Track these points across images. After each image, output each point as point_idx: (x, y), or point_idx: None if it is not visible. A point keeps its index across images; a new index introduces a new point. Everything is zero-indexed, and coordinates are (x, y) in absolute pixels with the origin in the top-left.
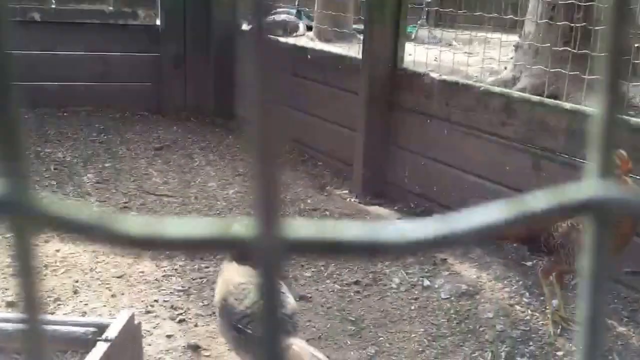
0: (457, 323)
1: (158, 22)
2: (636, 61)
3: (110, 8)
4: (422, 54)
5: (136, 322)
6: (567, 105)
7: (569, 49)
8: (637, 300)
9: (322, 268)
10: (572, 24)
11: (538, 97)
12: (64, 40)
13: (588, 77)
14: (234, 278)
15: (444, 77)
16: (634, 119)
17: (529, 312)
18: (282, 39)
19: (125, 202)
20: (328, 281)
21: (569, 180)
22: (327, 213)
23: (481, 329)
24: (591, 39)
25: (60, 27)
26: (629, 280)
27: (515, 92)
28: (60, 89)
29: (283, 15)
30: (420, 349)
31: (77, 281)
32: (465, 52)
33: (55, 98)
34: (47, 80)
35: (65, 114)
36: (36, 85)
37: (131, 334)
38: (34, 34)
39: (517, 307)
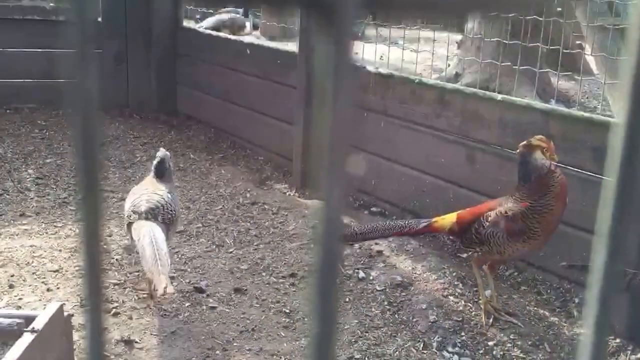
0: (391, 314)
1: (99, 19)
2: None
3: (52, 4)
4: (368, 52)
5: (66, 314)
6: (499, 96)
7: (502, 40)
8: (569, 290)
9: (259, 261)
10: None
11: (471, 89)
12: (5, 36)
13: (520, 68)
14: (143, 186)
15: (380, 70)
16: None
17: (462, 302)
18: (223, 35)
19: (65, 198)
20: (264, 274)
21: (501, 171)
22: (266, 207)
23: (414, 319)
24: (523, 33)
25: (1, 24)
26: (563, 272)
27: (448, 84)
28: (2, 87)
29: (229, 14)
30: (353, 340)
31: (12, 275)
32: (412, 50)
33: None
34: None
35: (7, 111)
36: None
37: (59, 326)
38: None
39: (451, 298)
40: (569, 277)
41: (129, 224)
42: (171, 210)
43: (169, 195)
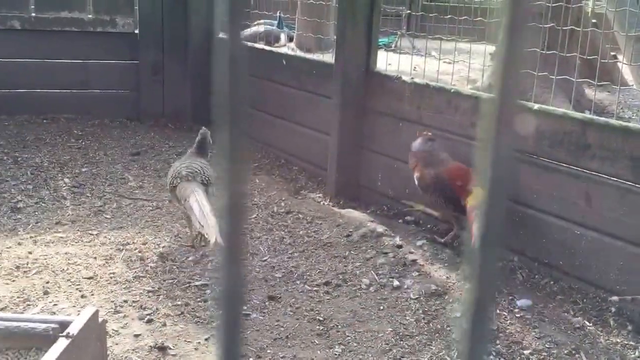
0: (426, 322)
1: (136, 30)
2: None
3: (90, 16)
4: (402, 63)
5: (100, 319)
6: (536, 105)
7: (538, 50)
8: (605, 299)
9: (293, 269)
10: (545, 26)
11: None
12: (44, 48)
13: (556, 78)
14: (182, 160)
15: (416, 80)
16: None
17: (498, 311)
18: (259, 46)
19: (100, 206)
20: (298, 282)
21: (536, 180)
22: (300, 216)
23: (449, 328)
24: (561, 42)
25: (40, 35)
26: (599, 281)
27: (484, 94)
28: (40, 96)
29: (265, 26)
30: (387, 348)
31: (47, 282)
32: (446, 61)
33: (35, 105)
34: (27, 87)
35: (44, 120)
36: (16, 92)
37: (94, 331)
38: (14, 42)
39: None
40: (604, 286)
41: (173, 188)
42: (208, 176)
43: (206, 165)
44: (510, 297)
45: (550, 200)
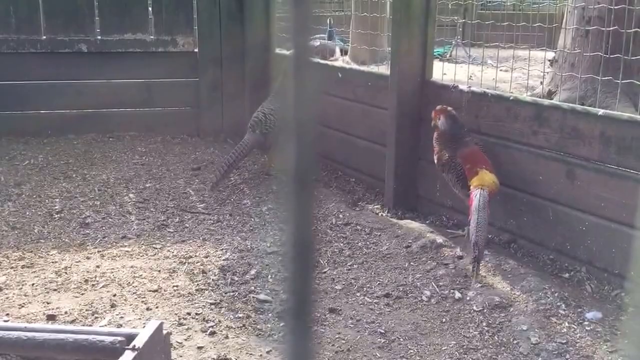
0: (490, 335)
1: (196, 49)
2: None
3: (152, 37)
4: (457, 73)
5: (165, 332)
6: (600, 111)
7: (601, 54)
8: None
9: (353, 281)
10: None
11: (570, 105)
12: (109, 69)
13: (622, 82)
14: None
15: (473, 88)
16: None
17: (566, 324)
18: (315, 60)
19: (164, 220)
20: (358, 294)
21: (604, 188)
22: (359, 227)
23: (515, 341)
24: (626, 46)
25: (105, 57)
26: None
27: (545, 101)
28: (106, 116)
29: (320, 40)
30: None
31: (114, 295)
32: (502, 69)
33: (101, 124)
34: (94, 107)
35: (110, 138)
36: (83, 112)
37: (159, 344)
38: (82, 64)
39: (553, 319)
40: None
41: None
42: (268, 125)
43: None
44: (579, 310)
45: (619, 208)
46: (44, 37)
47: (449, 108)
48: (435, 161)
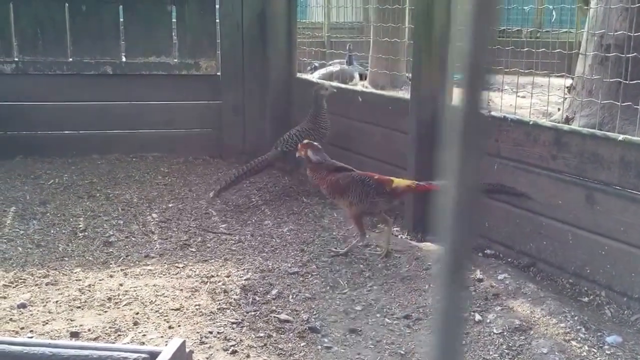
0: (510, 358)
1: (218, 72)
2: None
3: (175, 60)
4: None
5: (187, 350)
6: (620, 136)
7: (621, 80)
8: None
9: (373, 302)
10: (625, 55)
11: (589, 130)
12: (133, 91)
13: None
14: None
15: (493, 113)
16: None
17: (586, 347)
18: (335, 84)
19: (186, 240)
20: (378, 315)
21: (624, 212)
22: (379, 249)
23: None
24: None
25: (130, 79)
26: None
27: (565, 126)
28: (129, 136)
29: (338, 65)
30: None
31: (137, 313)
32: (519, 95)
33: (124, 145)
34: (118, 128)
35: (134, 159)
36: (108, 133)
37: None
38: (107, 86)
39: (573, 343)
40: None
41: None
42: (291, 143)
43: (304, 128)
44: (599, 334)
45: (639, 233)
46: (71, 59)
47: (314, 142)
48: (330, 190)
